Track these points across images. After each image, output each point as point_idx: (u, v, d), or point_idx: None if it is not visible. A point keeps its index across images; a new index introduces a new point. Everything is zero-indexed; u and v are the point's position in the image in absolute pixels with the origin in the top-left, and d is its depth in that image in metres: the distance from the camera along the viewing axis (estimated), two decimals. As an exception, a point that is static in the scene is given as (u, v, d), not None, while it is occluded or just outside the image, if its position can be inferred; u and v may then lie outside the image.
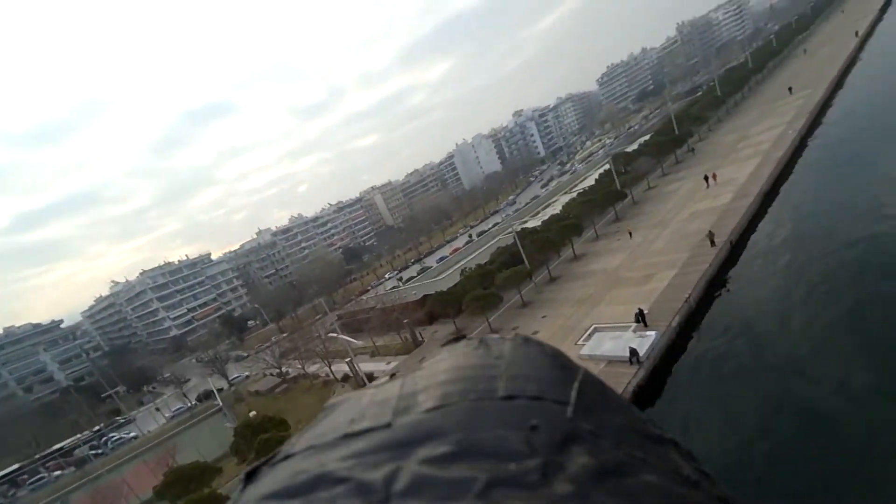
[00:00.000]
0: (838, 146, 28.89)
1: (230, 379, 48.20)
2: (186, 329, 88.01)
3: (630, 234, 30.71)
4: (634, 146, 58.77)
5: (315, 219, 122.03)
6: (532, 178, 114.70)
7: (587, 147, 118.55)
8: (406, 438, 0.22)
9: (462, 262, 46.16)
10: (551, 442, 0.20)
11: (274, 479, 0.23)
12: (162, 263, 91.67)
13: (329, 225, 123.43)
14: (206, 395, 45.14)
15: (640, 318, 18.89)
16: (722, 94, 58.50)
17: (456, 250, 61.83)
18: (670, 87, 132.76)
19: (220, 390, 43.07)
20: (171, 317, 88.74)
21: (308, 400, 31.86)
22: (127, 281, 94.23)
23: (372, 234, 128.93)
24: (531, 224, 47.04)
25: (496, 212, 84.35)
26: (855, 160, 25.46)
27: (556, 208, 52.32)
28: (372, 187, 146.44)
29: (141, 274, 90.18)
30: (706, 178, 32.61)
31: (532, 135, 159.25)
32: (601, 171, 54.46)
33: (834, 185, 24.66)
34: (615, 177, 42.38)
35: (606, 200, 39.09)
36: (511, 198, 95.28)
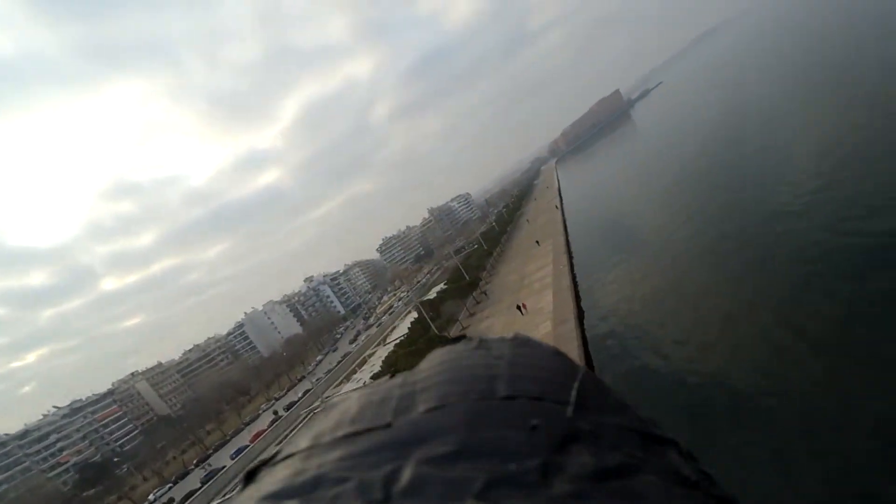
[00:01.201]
0: (589, 270, 35.98)
1: None
2: None
3: (473, 376, 26.42)
4: (433, 294, 59.69)
5: (23, 434, 78.05)
6: (338, 335, 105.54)
7: (385, 301, 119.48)
8: (406, 438, 0.20)
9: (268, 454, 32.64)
10: (551, 442, 0.19)
11: (274, 479, 0.22)
12: None
13: (53, 437, 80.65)
14: None
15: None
16: (488, 247, 67.91)
17: (260, 435, 45.64)
18: (439, 249, 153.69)
19: None
20: None
21: None
22: None
23: (136, 433, 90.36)
24: (350, 386, 38.55)
25: (304, 377, 70.55)
26: (606, 279, 31.66)
27: (374, 364, 45.55)
28: (132, 373, 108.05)
29: None
30: (519, 308, 32.59)
31: (328, 296, 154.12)
32: (411, 319, 51.96)
33: (608, 295, 28.65)
34: (429, 322, 39.71)
35: (428, 346, 35.27)
36: (328, 350, 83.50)
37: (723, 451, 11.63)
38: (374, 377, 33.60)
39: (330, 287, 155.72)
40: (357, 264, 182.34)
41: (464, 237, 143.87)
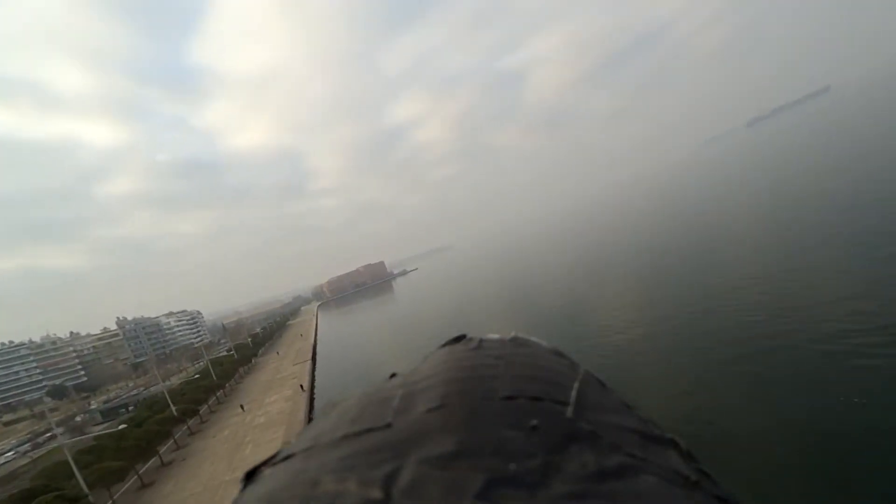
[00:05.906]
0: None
1: None
2: None
3: None
4: None
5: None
6: None
7: None
8: (406, 438, 0.19)
9: None
10: (551, 442, 0.18)
11: (274, 479, 0.20)
12: None
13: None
14: None
15: None
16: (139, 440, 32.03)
17: None
18: (114, 381, 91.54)
19: None
20: None
21: None
22: None
23: None
24: None
25: None
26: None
27: None
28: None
29: None
30: None
31: None
32: None
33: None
34: None
35: None
36: None
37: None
38: None
39: None
40: None
41: (165, 370, 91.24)
